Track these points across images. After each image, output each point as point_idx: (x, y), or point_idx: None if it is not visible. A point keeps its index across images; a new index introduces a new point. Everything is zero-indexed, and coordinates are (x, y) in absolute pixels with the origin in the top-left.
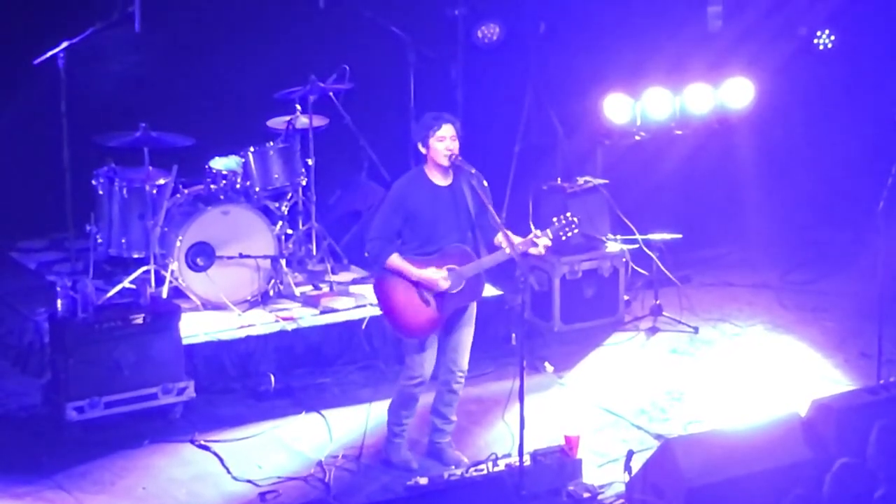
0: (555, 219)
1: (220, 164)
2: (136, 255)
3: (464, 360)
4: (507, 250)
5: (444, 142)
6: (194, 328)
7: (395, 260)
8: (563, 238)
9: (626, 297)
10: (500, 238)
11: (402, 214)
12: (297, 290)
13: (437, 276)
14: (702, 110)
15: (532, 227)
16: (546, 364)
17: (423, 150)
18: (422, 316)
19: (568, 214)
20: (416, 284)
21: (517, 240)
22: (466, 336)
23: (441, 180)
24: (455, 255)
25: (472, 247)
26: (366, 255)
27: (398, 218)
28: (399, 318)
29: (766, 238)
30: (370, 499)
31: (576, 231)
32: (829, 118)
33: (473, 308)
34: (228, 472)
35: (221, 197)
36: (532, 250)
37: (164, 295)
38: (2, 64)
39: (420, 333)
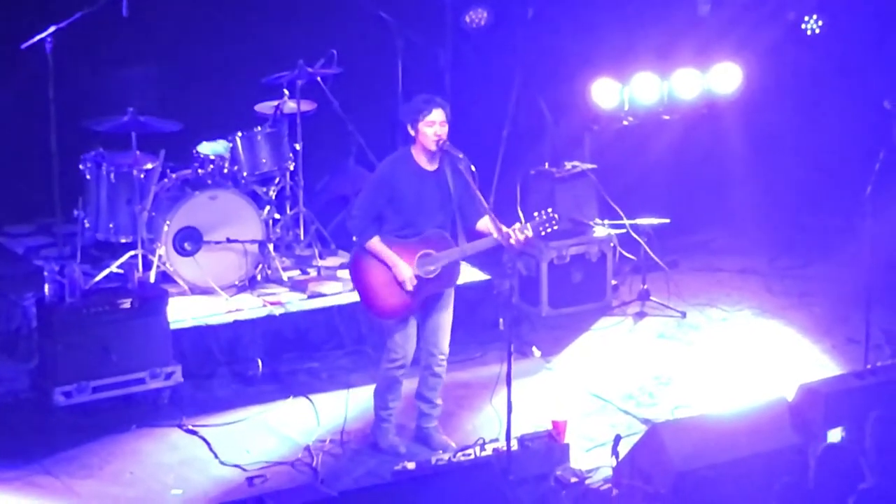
0: (536, 213)
1: (207, 148)
2: (123, 240)
3: (444, 342)
4: (496, 235)
5: (433, 127)
6: (182, 313)
7: (376, 243)
8: (543, 233)
9: (613, 282)
10: (484, 223)
11: (386, 195)
12: (285, 275)
13: (407, 274)
14: (690, 95)
15: (519, 212)
16: (534, 349)
17: (411, 132)
18: (395, 298)
19: (549, 210)
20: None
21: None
22: (445, 319)
23: (427, 164)
24: (434, 240)
25: (451, 233)
26: (353, 238)
27: (382, 198)
28: (372, 298)
29: (754, 223)
30: (358, 483)
31: (556, 227)
32: (817, 103)
33: (451, 292)
34: (216, 456)
35: (209, 182)
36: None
37: (152, 280)
38: None
39: (391, 315)
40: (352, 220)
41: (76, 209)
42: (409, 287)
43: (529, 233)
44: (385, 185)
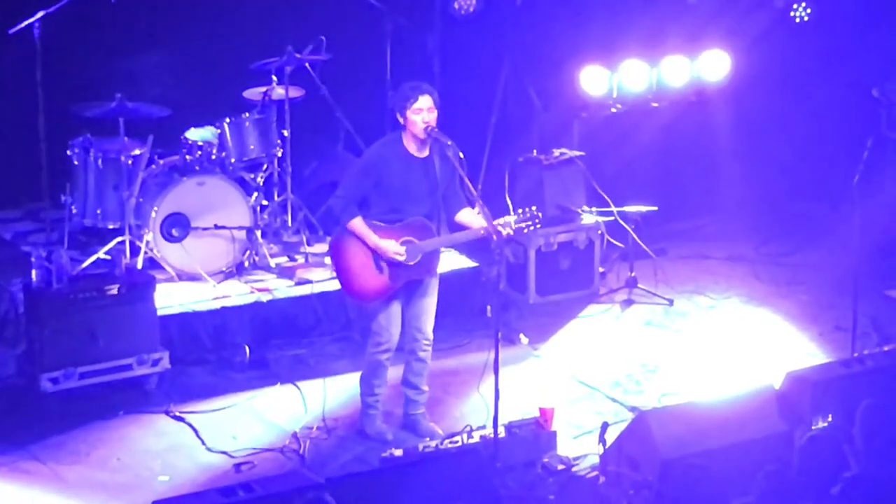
0: (520, 210)
1: (195, 134)
2: (111, 226)
3: (427, 327)
4: (476, 227)
5: (420, 114)
6: (169, 299)
7: (358, 223)
8: (525, 231)
9: (601, 270)
10: (462, 215)
11: (373, 179)
12: (273, 262)
13: (395, 250)
14: (678, 82)
15: (507, 199)
16: (521, 336)
17: (400, 120)
18: (373, 282)
19: (533, 208)
20: (373, 250)
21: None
22: (429, 304)
23: (416, 151)
24: (416, 228)
25: (437, 221)
26: (333, 216)
27: (368, 182)
28: (350, 280)
29: (742, 211)
30: (345, 470)
31: (538, 226)
32: (806, 91)
33: (435, 278)
34: (203, 443)
35: (197, 168)
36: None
37: (139, 266)
38: None
39: (368, 298)
40: (335, 200)
41: (64, 195)
42: (400, 259)
43: (511, 231)
44: (372, 168)
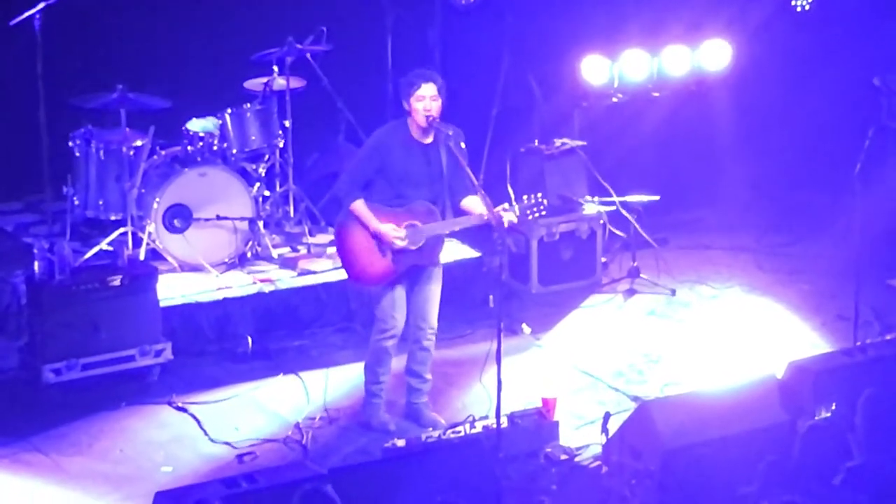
0: (525, 197)
1: (197, 125)
2: (113, 217)
3: (432, 316)
4: (484, 215)
5: (422, 101)
6: (171, 290)
7: (360, 206)
8: (531, 217)
9: (603, 260)
10: (468, 202)
11: (377, 163)
12: (275, 252)
13: (396, 234)
14: (679, 72)
15: (509, 189)
16: (524, 326)
17: (405, 107)
18: (375, 266)
19: (539, 195)
20: (375, 235)
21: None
22: (433, 293)
23: (420, 137)
24: (420, 212)
25: (440, 208)
26: (336, 199)
27: (372, 165)
28: (353, 263)
29: (744, 201)
30: (347, 461)
31: (543, 213)
32: (807, 80)
33: (439, 267)
34: (206, 434)
35: (198, 159)
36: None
37: (142, 257)
38: None
39: (371, 282)
40: (340, 183)
41: (66, 186)
42: (401, 244)
43: (514, 218)
44: (375, 153)
